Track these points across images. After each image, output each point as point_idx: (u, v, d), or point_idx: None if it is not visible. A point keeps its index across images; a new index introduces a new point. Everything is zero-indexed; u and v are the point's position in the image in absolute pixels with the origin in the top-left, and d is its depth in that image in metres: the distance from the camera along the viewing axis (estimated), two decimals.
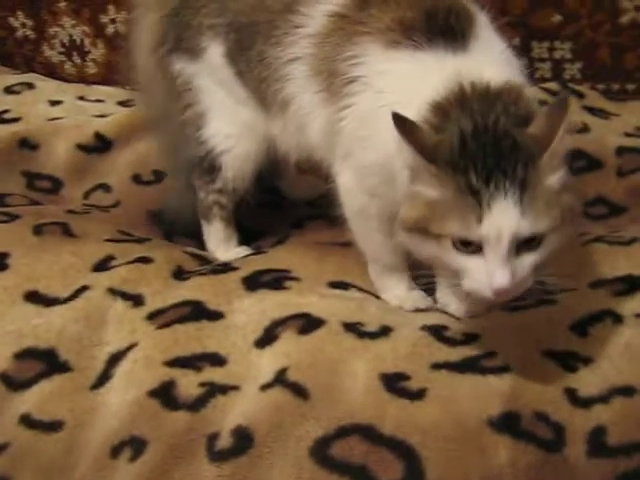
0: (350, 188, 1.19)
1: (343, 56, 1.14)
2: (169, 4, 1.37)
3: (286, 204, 1.59)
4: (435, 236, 0.97)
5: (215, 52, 1.32)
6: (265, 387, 1.06)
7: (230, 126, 1.36)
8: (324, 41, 1.18)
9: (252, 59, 1.28)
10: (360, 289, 1.25)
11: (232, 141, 1.36)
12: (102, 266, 1.30)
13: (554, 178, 0.97)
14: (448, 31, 1.08)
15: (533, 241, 0.96)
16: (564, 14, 1.75)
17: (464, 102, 1.00)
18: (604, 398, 1.01)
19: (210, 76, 1.34)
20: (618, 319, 1.12)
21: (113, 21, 2.01)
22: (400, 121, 0.96)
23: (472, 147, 0.96)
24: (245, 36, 1.28)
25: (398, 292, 1.23)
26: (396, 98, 1.00)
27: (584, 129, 1.56)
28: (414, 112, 1.00)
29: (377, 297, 1.24)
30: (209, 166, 1.38)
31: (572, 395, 1.02)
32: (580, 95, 1.70)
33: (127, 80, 1.55)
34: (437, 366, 1.06)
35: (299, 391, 1.04)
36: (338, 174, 1.21)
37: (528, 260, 0.96)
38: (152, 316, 1.19)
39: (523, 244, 0.95)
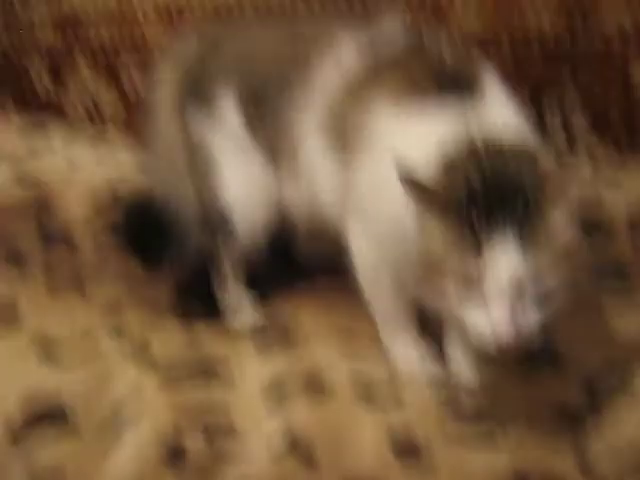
0: (361, 248, 1.20)
1: (353, 113, 1.16)
2: (188, 61, 1.40)
3: (297, 261, 1.60)
4: (439, 283, 0.98)
5: (229, 106, 1.34)
6: (272, 450, 1.05)
7: (241, 180, 1.37)
8: (334, 98, 1.20)
9: (265, 113, 1.30)
10: (370, 350, 1.24)
11: (243, 195, 1.37)
12: (114, 320, 1.31)
13: (560, 229, 0.97)
14: (456, 87, 1.10)
15: (537, 290, 0.95)
16: (573, 70, 1.77)
17: (473, 150, 1.01)
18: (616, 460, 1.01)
19: (222, 130, 1.36)
20: (629, 380, 1.12)
21: (131, 79, 2.04)
22: (403, 168, 0.98)
23: (478, 193, 0.96)
24: (258, 91, 1.30)
25: (409, 355, 1.22)
26: (406, 153, 1.02)
27: (596, 198, 1.56)
28: (423, 163, 1.02)
29: (388, 360, 1.23)
30: (221, 220, 1.39)
31: (584, 460, 1.01)
32: (592, 163, 1.70)
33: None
34: (447, 435, 1.06)
35: (306, 455, 1.04)
36: (349, 234, 1.22)
37: (532, 309, 0.96)
38: (162, 372, 1.19)
39: (526, 293, 0.95)
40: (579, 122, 1.78)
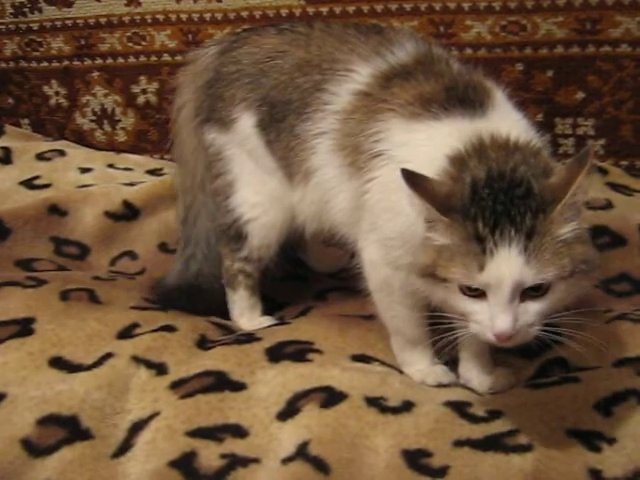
0: (374, 261, 1.20)
1: (367, 132, 1.17)
2: (205, 76, 1.41)
3: (310, 276, 1.60)
4: (443, 280, 0.99)
5: (246, 123, 1.36)
6: (286, 461, 1.05)
7: (257, 195, 1.38)
8: (349, 118, 1.22)
9: (283, 130, 1.31)
10: (383, 363, 1.25)
11: (258, 210, 1.38)
12: (127, 334, 1.31)
13: (566, 229, 0.97)
14: (466, 101, 1.11)
15: (539, 289, 0.96)
16: (587, 92, 1.78)
17: (482, 152, 1.02)
18: None
19: (240, 146, 1.37)
20: None
21: (144, 91, 2.06)
22: (409, 176, 0.98)
23: (483, 194, 0.97)
24: (277, 110, 1.31)
25: (421, 367, 1.22)
26: (417, 165, 1.03)
27: (607, 206, 1.56)
28: (434, 168, 1.03)
29: (400, 371, 1.23)
30: (235, 234, 1.40)
31: (596, 476, 1.00)
32: (603, 172, 1.70)
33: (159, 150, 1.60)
34: (459, 443, 1.05)
35: (320, 466, 1.04)
36: (363, 248, 1.22)
37: (533, 307, 0.97)
38: (175, 385, 1.19)
39: (529, 291, 0.96)
40: (593, 147, 1.79)
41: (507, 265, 0.94)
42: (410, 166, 1.01)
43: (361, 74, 1.22)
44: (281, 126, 1.31)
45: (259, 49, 1.36)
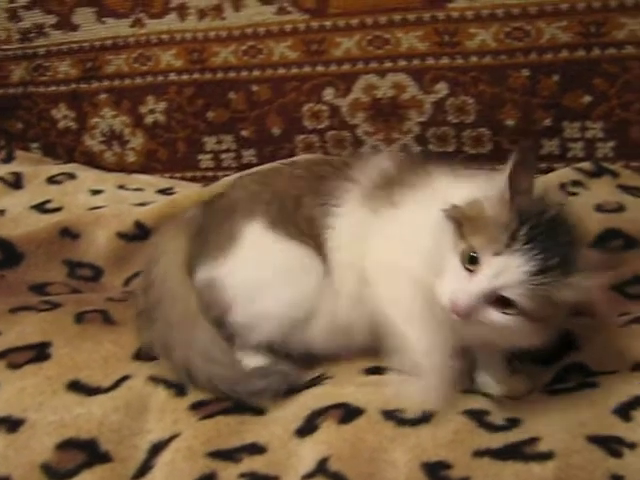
0: (396, 295, 1.19)
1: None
2: (192, 230, 1.40)
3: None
4: (460, 234, 1.05)
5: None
6: (306, 477, 1.05)
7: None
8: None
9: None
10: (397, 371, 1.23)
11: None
12: (143, 355, 1.31)
13: (568, 295, 1.02)
14: None
15: (506, 305, 1.01)
16: (594, 95, 1.77)
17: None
18: None
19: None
20: None
21: (152, 111, 2.07)
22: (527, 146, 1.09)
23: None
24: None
25: (439, 383, 1.20)
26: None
27: (619, 208, 1.56)
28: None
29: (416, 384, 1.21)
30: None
31: None
32: (614, 174, 1.70)
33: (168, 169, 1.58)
34: (479, 453, 1.04)
35: (339, 478, 1.03)
36: (381, 287, 1.22)
37: (492, 315, 1.02)
38: (195, 407, 1.19)
39: (501, 302, 1.01)
40: (603, 150, 1.79)
41: (514, 270, 1.00)
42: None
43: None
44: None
45: (244, 190, 1.37)
